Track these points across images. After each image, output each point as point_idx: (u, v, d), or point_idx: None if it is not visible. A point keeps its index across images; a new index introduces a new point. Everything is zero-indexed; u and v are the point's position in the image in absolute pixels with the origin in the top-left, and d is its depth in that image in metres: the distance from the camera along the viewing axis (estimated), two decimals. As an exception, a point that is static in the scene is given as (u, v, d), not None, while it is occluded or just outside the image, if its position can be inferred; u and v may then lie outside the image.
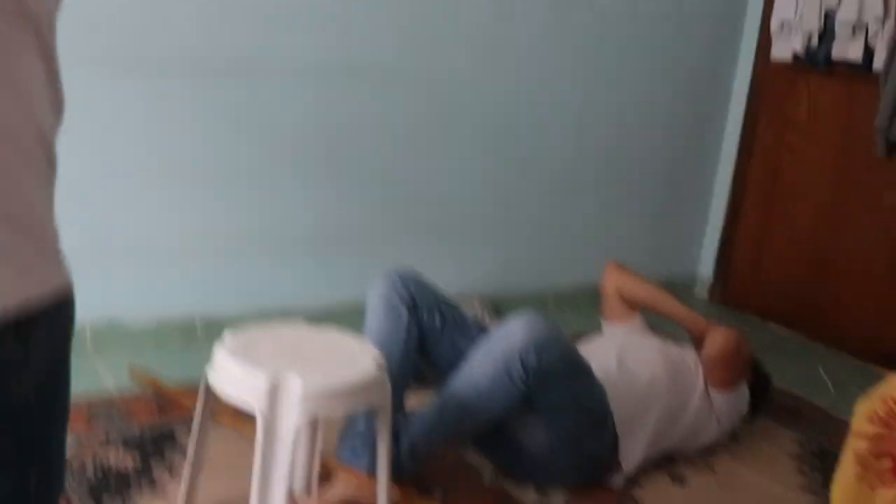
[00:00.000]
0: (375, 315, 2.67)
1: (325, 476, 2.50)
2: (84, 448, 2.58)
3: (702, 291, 4.72)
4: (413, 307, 2.68)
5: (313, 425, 2.42)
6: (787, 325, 4.31)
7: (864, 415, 2.03)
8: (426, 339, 2.72)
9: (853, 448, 2.04)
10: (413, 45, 3.66)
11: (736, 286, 4.56)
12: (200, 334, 3.36)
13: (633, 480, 2.77)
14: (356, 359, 2.15)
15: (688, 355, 2.97)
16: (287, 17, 3.35)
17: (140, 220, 3.25)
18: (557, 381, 2.50)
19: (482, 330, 2.77)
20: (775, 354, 3.94)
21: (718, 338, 2.88)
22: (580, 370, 2.60)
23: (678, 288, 4.44)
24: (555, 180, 4.17)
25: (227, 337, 2.14)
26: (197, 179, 3.35)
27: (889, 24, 3.74)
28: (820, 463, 3.01)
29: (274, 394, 1.97)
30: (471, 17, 3.75)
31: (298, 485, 2.47)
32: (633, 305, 3.12)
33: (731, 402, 2.95)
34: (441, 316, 2.73)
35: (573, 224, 4.29)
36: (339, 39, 3.48)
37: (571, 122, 4.12)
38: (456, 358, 2.65)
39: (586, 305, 4.05)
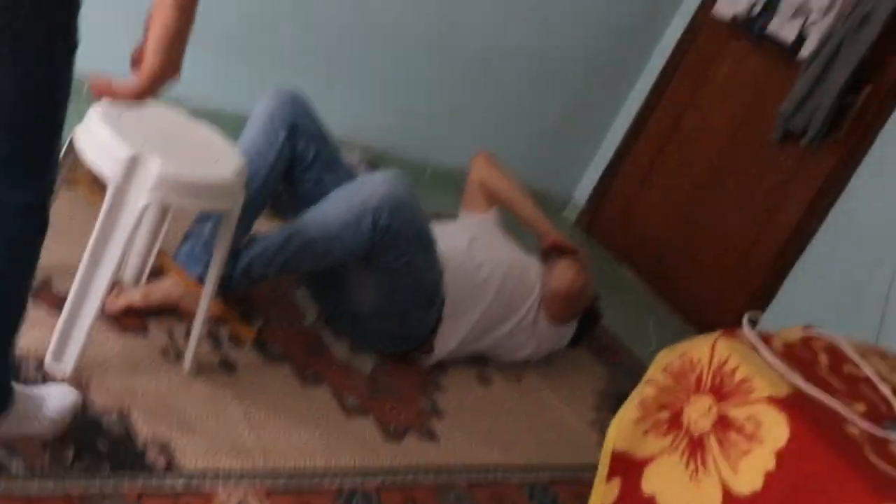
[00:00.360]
0: (253, 128, 2.61)
1: (157, 272, 2.48)
2: None
3: (571, 214, 4.78)
4: (293, 132, 2.63)
5: (161, 214, 2.40)
6: (637, 272, 4.41)
7: (660, 364, 2.10)
8: (295, 167, 2.68)
9: (640, 392, 2.11)
10: None
11: (603, 221, 4.62)
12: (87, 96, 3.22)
13: (442, 367, 2.82)
14: (221, 160, 2.13)
15: (532, 266, 2.99)
16: None
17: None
18: (400, 246, 2.50)
19: (351, 177, 2.74)
20: (616, 296, 4.05)
21: (568, 274, 2.90)
22: (425, 243, 2.61)
23: (549, 204, 4.49)
24: (471, 62, 4.11)
25: (106, 103, 2.07)
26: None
27: (829, 18, 3.76)
28: (616, 405, 3.10)
29: (131, 167, 1.94)
30: None
31: (129, 272, 2.46)
32: (492, 200, 3.13)
33: (556, 333, 3.01)
34: (316, 149, 2.69)
35: (474, 108, 4.25)
36: None
37: (501, 8, 4.06)
38: (317, 195, 2.61)
39: (458, 190, 4.06)
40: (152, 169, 1.95)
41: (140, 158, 1.95)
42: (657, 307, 4.22)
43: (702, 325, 3.97)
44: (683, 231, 4.28)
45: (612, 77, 4.56)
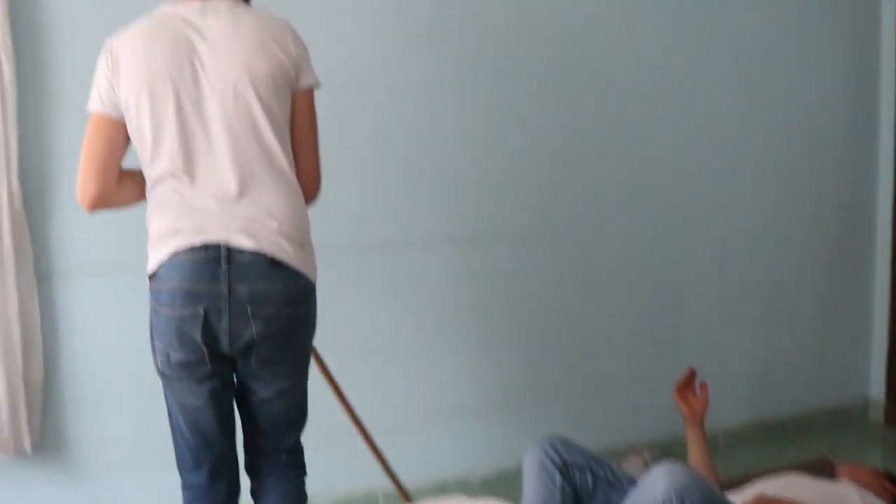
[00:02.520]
0: (531, 483, 2.75)
1: None
2: None
3: (877, 416, 4.55)
4: (565, 470, 2.75)
5: None
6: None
7: None
8: (581, 500, 2.77)
9: None
10: (554, 209, 3.80)
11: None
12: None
13: None
14: None
15: None
16: (436, 189, 3.56)
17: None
18: None
19: (633, 483, 2.79)
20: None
21: None
22: None
23: (850, 415, 4.33)
24: (706, 319, 4.16)
25: None
26: (357, 355, 3.51)
27: None
28: None
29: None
30: (597, 176, 3.87)
31: None
32: None
33: None
34: (592, 474, 2.79)
35: (731, 361, 4.24)
36: (481, 208, 3.65)
37: (715, 260, 4.14)
38: None
39: (756, 441, 4.00)
40: None
41: None
42: None
43: None
44: None
45: (848, 268, 4.49)
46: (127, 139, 2.27)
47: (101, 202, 2.26)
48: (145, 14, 2.32)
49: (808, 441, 4.21)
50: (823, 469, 3.16)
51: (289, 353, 2.32)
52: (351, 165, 3.38)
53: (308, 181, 2.35)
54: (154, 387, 2.96)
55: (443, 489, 3.50)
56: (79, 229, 3.08)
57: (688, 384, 2.99)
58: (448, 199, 3.58)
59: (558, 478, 2.74)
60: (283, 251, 2.23)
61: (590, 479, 2.78)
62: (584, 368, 3.91)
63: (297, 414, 2.46)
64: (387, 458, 3.11)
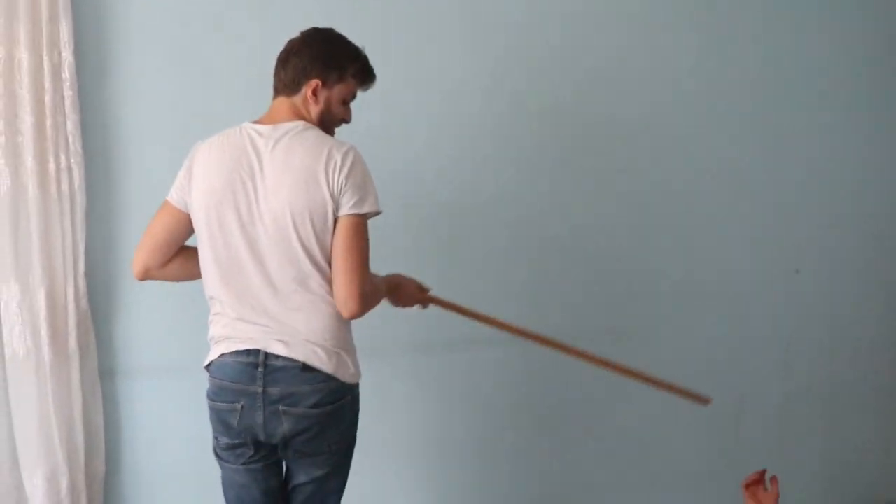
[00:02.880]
0: None
1: None
2: None
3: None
4: None
5: None
6: None
7: None
8: None
9: None
10: (614, 307, 3.79)
11: None
12: None
13: None
14: None
15: None
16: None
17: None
18: None
19: None
20: None
21: None
22: None
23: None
24: (769, 420, 4.09)
25: None
26: (413, 459, 3.53)
27: None
28: None
29: None
30: (660, 276, 3.87)
31: None
32: None
33: None
34: None
35: (797, 463, 4.14)
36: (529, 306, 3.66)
37: (778, 357, 4.08)
38: None
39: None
40: None
41: None
42: None
43: None
44: None
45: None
46: (189, 232, 2.52)
47: (147, 275, 2.56)
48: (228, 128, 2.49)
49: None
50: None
51: (324, 447, 2.53)
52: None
53: (340, 303, 2.42)
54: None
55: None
56: (143, 328, 3.16)
57: (758, 482, 2.93)
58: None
59: None
60: (317, 357, 2.43)
61: None
62: (652, 461, 3.87)
63: (330, 497, 2.67)
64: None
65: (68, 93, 2.99)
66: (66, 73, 2.98)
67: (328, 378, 2.44)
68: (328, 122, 2.55)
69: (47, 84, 2.96)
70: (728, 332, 3.98)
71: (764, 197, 4.00)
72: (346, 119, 2.61)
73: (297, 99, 2.50)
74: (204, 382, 2.54)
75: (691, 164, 3.87)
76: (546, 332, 3.09)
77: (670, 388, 3.15)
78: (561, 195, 3.68)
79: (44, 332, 3.00)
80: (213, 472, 2.66)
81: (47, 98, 2.96)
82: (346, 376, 2.48)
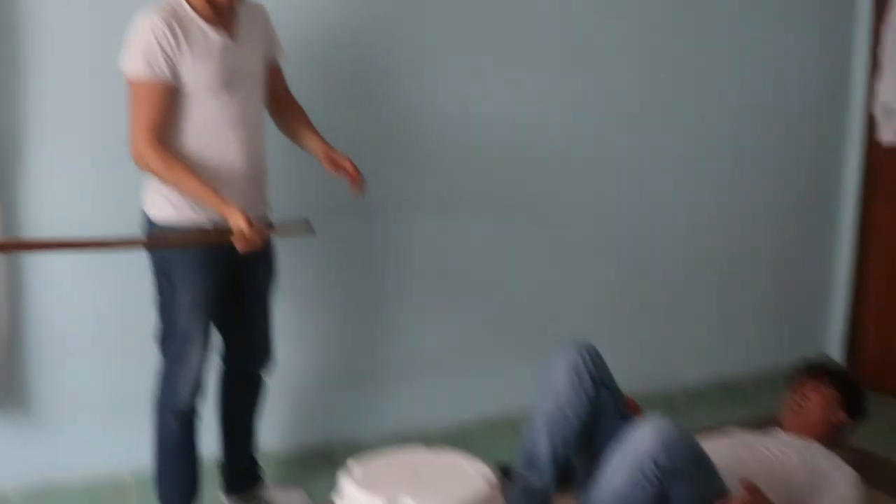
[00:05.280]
0: (560, 381, 2.79)
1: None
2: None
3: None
4: (596, 381, 2.81)
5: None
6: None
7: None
8: (597, 418, 2.84)
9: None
10: (521, 171, 3.85)
11: (867, 367, 4.51)
12: (338, 457, 3.58)
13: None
14: (471, 477, 2.34)
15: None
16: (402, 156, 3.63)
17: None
18: (687, 479, 2.57)
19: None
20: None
21: None
22: (708, 469, 2.66)
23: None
24: (671, 282, 4.26)
25: (352, 465, 2.38)
26: (317, 310, 3.60)
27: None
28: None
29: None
30: (571, 134, 3.93)
31: None
32: None
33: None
34: (612, 398, 2.87)
35: (693, 323, 4.35)
36: (447, 173, 3.72)
37: (681, 225, 4.23)
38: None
39: (715, 400, 4.11)
40: None
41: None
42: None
43: None
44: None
45: (812, 234, 4.60)
46: None
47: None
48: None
49: (766, 399, 4.31)
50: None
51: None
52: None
53: None
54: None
55: (403, 441, 3.59)
56: (47, 186, 3.12)
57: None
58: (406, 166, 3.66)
59: (589, 386, 2.78)
60: None
61: (607, 400, 2.84)
62: (550, 328, 3.98)
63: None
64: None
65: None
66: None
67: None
68: None
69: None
70: (639, 202, 4.11)
71: (671, 73, 4.10)
72: None
73: None
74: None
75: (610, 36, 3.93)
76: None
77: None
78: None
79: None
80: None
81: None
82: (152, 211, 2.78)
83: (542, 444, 2.75)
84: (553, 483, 2.72)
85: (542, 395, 2.81)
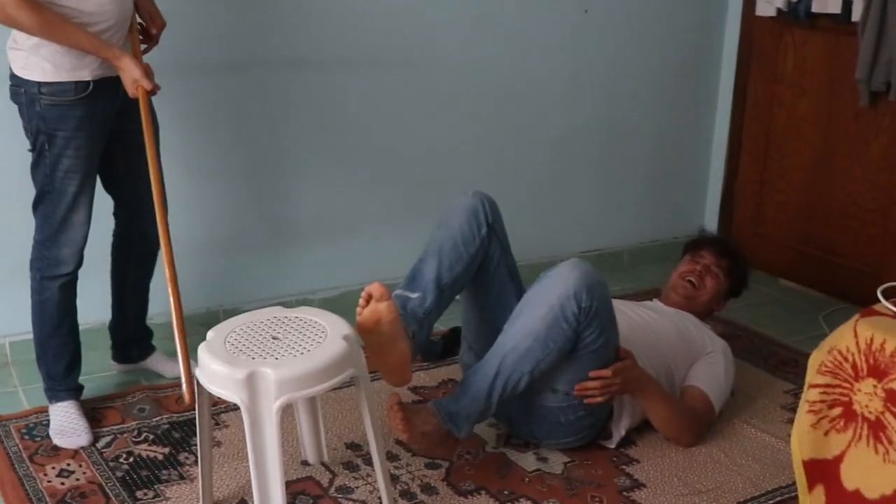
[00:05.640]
0: (456, 220, 2.75)
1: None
2: (118, 441, 2.83)
3: (707, 249, 4.79)
4: (490, 228, 2.79)
5: (310, 403, 2.61)
6: (792, 278, 4.38)
7: (814, 366, 2.14)
8: (484, 266, 2.82)
9: (806, 398, 2.15)
10: (401, 28, 3.77)
11: (741, 242, 4.62)
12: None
13: (627, 439, 2.90)
14: (328, 335, 2.31)
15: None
16: (280, 13, 3.51)
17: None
18: (601, 323, 2.61)
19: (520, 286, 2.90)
20: (781, 308, 4.07)
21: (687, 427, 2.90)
22: (613, 318, 2.71)
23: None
24: (551, 151, 4.26)
25: (210, 334, 2.33)
26: (198, 176, 3.52)
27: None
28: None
29: (251, 384, 2.15)
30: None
31: (310, 455, 2.70)
32: None
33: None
34: (502, 252, 2.85)
35: (574, 194, 4.38)
36: (326, 31, 3.62)
37: (562, 92, 4.21)
38: (500, 299, 2.84)
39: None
40: (270, 376, 2.14)
41: (255, 373, 2.15)
42: (821, 303, 4.16)
43: (869, 301, 3.90)
44: (816, 222, 4.26)
45: (691, 107, 4.62)
46: None
47: None
48: None
49: (645, 272, 4.43)
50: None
51: None
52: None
53: None
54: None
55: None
56: None
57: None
58: (289, 23, 3.55)
59: (485, 231, 2.76)
60: None
61: (498, 254, 2.83)
62: (425, 193, 3.98)
63: None
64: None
65: None
66: None
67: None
68: None
69: None
70: (515, 63, 4.06)
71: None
72: None
73: None
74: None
75: None
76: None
77: None
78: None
79: None
80: None
81: None
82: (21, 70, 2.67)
83: (428, 265, 2.70)
84: (433, 302, 2.66)
85: (437, 230, 2.78)
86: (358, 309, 2.46)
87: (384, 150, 3.87)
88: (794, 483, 2.28)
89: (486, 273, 2.83)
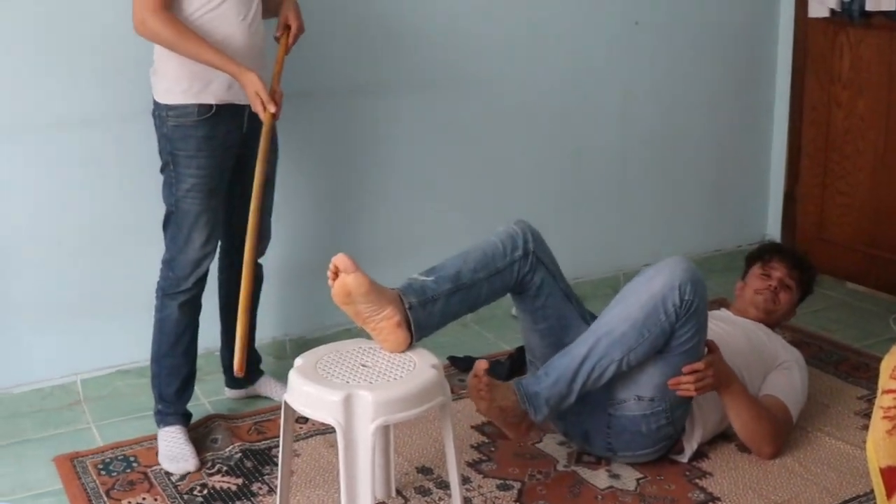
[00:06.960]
0: (491, 238, 2.72)
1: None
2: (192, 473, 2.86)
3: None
4: (527, 253, 2.71)
5: (383, 436, 2.62)
6: (860, 281, 4.32)
7: (887, 371, 2.10)
8: (524, 291, 2.77)
9: (881, 404, 2.11)
10: (455, 49, 3.79)
11: (805, 247, 4.57)
12: (289, 352, 3.61)
13: (699, 452, 2.86)
14: (416, 364, 2.37)
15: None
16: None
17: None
18: (698, 322, 2.61)
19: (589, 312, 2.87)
20: (847, 312, 4.01)
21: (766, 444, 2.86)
22: (706, 324, 2.70)
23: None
24: (609, 165, 4.25)
25: (298, 360, 2.38)
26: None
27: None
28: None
29: (348, 406, 2.19)
30: (508, 16, 3.87)
31: (380, 491, 2.67)
32: None
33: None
34: (551, 277, 2.78)
35: (635, 207, 4.35)
36: (384, 55, 3.66)
37: (617, 105, 4.19)
38: (552, 325, 2.81)
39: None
40: (367, 398, 2.18)
41: (352, 395, 2.19)
42: (894, 306, 4.09)
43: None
44: (882, 222, 4.20)
45: (748, 114, 4.58)
46: None
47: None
48: None
49: (709, 282, 4.35)
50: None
51: None
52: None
53: None
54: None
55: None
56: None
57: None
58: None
59: (518, 253, 2.69)
60: None
61: (543, 280, 2.76)
62: (488, 216, 3.88)
63: None
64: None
65: None
66: None
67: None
68: None
69: None
70: (568, 81, 4.07)
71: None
72: None
73: None
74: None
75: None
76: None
77: None
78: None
79: None
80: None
81: None
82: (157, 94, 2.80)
83: (451, 261, 2.65)
84: (446, 292, 2.58)
85: (478, 243, 2.74)
86: (329, 283, 2.44)
87: (448, 170, 3.89)
88: (871, 491, 2.24)
89: (537, 300, 2.79)
